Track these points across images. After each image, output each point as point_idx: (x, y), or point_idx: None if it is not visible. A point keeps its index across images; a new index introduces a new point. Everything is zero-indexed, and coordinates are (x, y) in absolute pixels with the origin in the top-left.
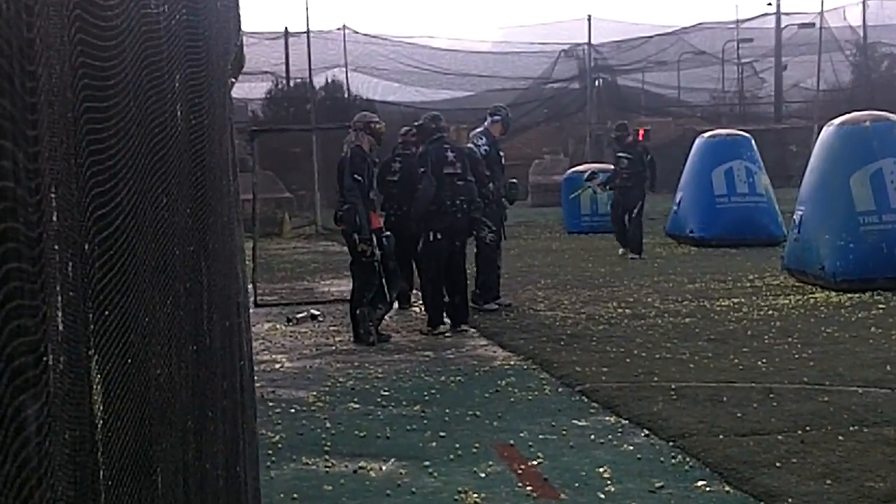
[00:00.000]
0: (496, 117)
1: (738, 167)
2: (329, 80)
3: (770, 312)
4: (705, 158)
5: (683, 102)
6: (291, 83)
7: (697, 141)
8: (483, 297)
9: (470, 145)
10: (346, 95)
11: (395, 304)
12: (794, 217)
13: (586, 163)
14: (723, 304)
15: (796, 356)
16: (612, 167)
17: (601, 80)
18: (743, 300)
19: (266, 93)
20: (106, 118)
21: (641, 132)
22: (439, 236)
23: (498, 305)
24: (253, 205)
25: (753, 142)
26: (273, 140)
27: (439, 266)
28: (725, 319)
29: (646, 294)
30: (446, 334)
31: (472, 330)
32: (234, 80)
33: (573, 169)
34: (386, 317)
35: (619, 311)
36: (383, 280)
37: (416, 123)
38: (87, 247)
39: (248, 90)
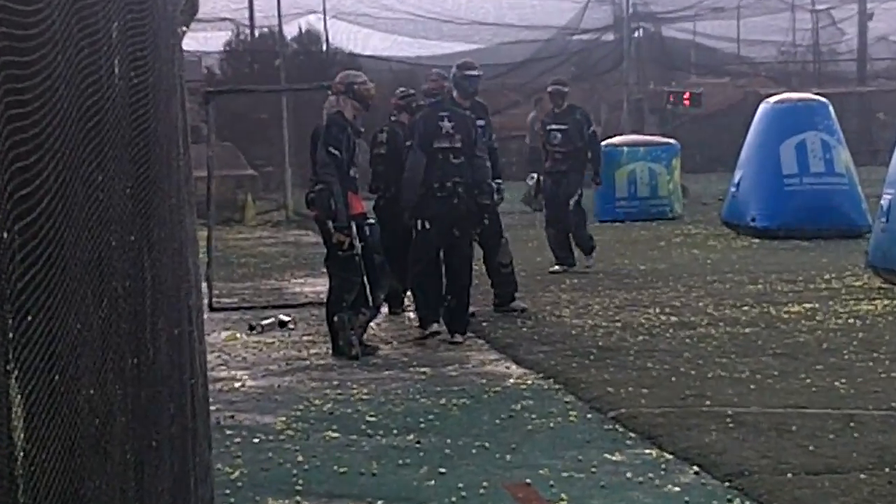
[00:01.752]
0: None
1: (812, 140)
2: (303, 30)
3: (851, 321)
4: (771, 129)
5: (744, 59)
6: (256, 33)
7: (762, 107)
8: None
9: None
10: (324, 49)
11: (384, 309)
12: (882, 202)
13: (622, 133)
14: (792, 310)
15: (883, 375)
16: (545, 147)
17: (641, 31)
18: (817, 306)
19: (225, 45)
20: (27, 76)
21: (688, 96)
22: (427, 226)
23: (514, 309)
24: (208, 184)
25: (831, 108)
26: (233, 104)
27: (428, 262)
28: (795, 329)
29: (696, 298)
30: (447, 340)
31: (481, 341)
32: (184, 28)
33: (607, 142)
34: (372, 324)
35: (663, 318)
36: (366, 279)
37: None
38: (4, 235)
39: (202, 41)
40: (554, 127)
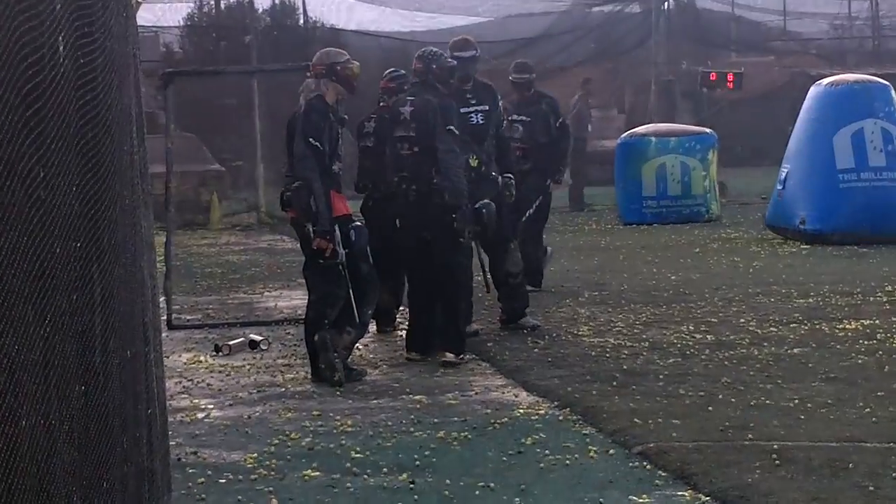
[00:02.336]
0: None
1: (871, 129)
2: (277, 1)
3: None
4: (823, 116)
5: (792, 34)
6: (222, 4)
7: (812, 91)
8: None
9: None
10: (301, 23)
11: (372, 326)
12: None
13: (650, 121)
14: (848, 327)
15: None
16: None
17: (672, 1)
18: (877, 322)
19: (186, 18)
20: None
21: (730, 78)
22: (398, 225)
23: (524, 327)
24: (167, 181)
25: (893, 92)
26: (196, 88)
27: (409, 269)
28: (852, 350)
29: (736, 313)
30: (441, 361)
31: (485, 364)
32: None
33: (632, 131)
34: (358, 344)
35: (697, 337)
36: (352, 292)
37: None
38: None
39: (159, 14)
40: (515, 118)
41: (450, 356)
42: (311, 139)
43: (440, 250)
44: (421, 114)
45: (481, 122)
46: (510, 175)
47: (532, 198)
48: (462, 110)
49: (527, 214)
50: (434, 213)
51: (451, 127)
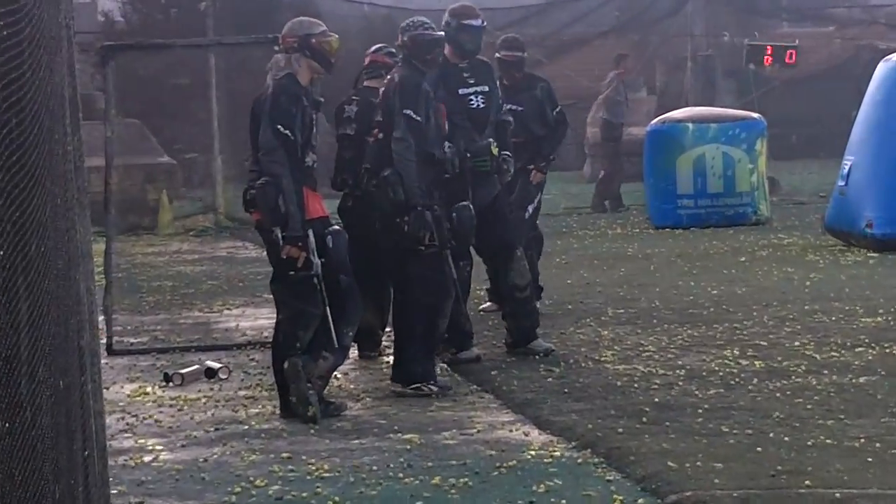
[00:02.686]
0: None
1: None
2: None
3: None
4: (895, 99)
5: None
6: None
7: (880, 68)
8: (450, 342)
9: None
10: None
11: (353, 351)
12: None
13: (685, 105)
14: None
15: None
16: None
17: None
18: None
19: None
20: None
21: (782, 52)
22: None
23: (535, 351)
24: (106, 177)
25: None
26: (142, 64)
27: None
28: None
29: (789, 335)
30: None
31: (489, 396)
32: None
33: (664, 116)
34: (337, 372)
35: (743, 363)
36: (328, 309)
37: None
38: None
39: None
40: (505, 107)
41: (396, 386)
42: (280, 127)
43: (401, 262)
44: (363, 106)
45: (482, 105)
46: (508, 153)
47: (533, 193)
48: (460, 92)
49: (528, 211)
50: (383, 215)
51: (409, 111)
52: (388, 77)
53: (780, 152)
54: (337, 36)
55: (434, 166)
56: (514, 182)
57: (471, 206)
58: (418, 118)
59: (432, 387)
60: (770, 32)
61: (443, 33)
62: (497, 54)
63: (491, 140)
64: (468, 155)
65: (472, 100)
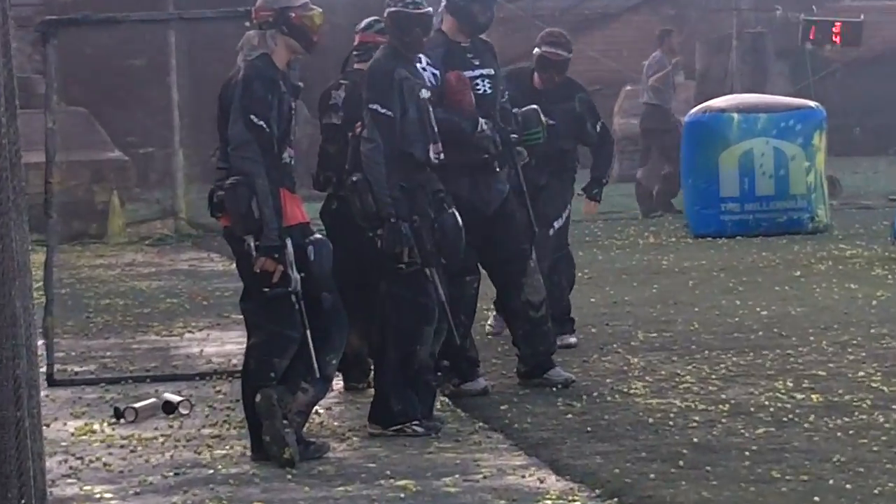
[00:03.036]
0: (444, 2)
1: None
2: None
3: None
4: None
5: None
6: None
7: None
8: (453, 371)
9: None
10: None
11: (337, 382)
12: None
13: (731, 91)
14: None
15: None
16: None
17: None
18: None
19: None
20: None
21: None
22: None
23: (553, 382)
24: (47, 175)
25: None
26: (89, 43)
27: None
28: None
29: (852, 363)
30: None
31: (497, 435)
32: None
33: (705, 105)
34: (318, 407)
35: (798, 397)
36: (310, 333)
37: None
38: None
39: None
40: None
41: (374, 428)
42: (253, 117)
43: (382, 277)
44: (351, 95)
45: (489, 90)
46: (516, 134)
47: (559, 205)
48: (466, 75)
49: (554, 227)
50: (355, 226)
51: (375, 105)
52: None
53: (842, 147)
54: (320, 10)
55: (415, 168)
56: (539, 197)
57: (456, 214)
58: (387, 112)
59: (416, 427)
60: (831, 7)
61: (430, 10)
62: (538, 49)
63: (535, 106)
64: (512, 135)
65: (478, 84)
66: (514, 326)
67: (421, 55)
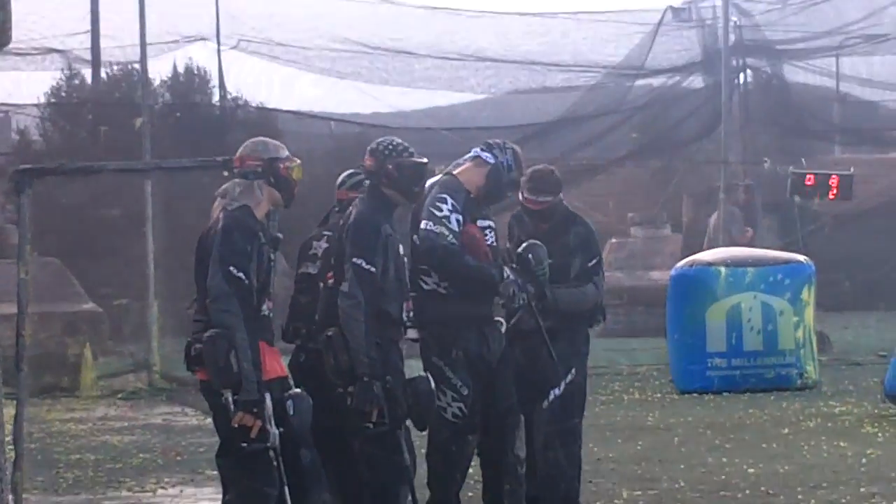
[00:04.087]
0: (486, 156)
1: None
2: (182, 67)
3: None
4: None
5: None
6: (103, 73)
7: None
8: None
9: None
10: (216, 99)
11: None
12: None
13: (717, 244)
14: None
15: None
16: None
17: (750, 73)
18: None
19: (49, 93)
20: None
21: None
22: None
23: None
24: (18, 328)
25: None
26: (63, 192)
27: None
28: None
29: None
30: None
31: None
32: None
33: (692, 258)
34: None
35: None
36: (287, 490)
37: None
38: None
39: (12, 86)
40: (530, 247)
41: None
42: (232, 269)
43: (353, 440)
44: (340, 230)
45: (494, 242)
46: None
47: (559, 372)
48: (479, 224)
49: (551, 396)
50: (325, 384)
51: (359, 260)
52: (349, 210)
53: (832, 303)
54: (299, 162)
55: (391, 325)
56: (538, 354)
57: (430, 379)
58: (371, 268)
59: None
60: (820, 159)
61: (426, 160)
62: (522, 196)
63: (537, 241)
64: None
65: (487, 235)
66: (501, 482)
67: (447, 196)
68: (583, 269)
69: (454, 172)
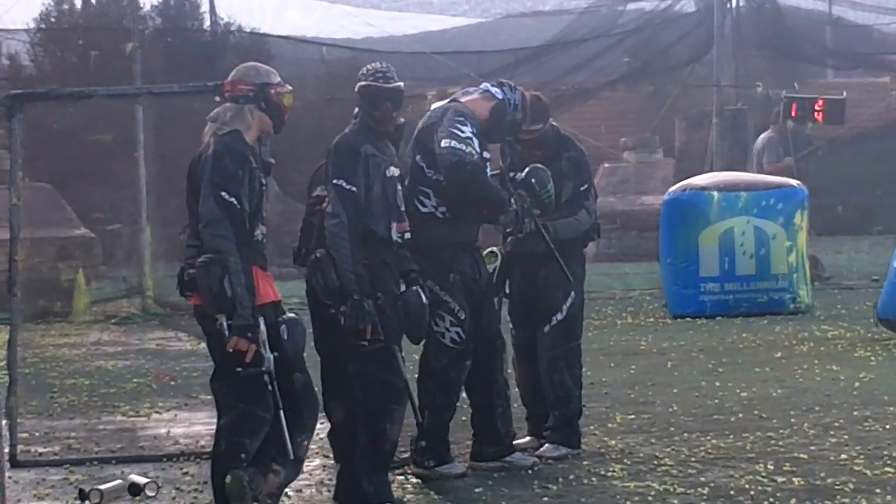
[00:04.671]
0: (495, 91)
1: None
2: None
3: None
4: None
5: None
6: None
7: None
8: (429, 452)
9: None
10: (207, 25)
11: (309, 462)
12: None
13: (710, 169)
14: None
15: None
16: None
17: None
18: None
19: (39, 18)
20: None
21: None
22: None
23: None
24: (11, 254)
25: None
26: (55, 118)
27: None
28: None
29: (835, 446)
30: None
31: None
32: None
33: (685, 183)
34: (289, 489)
35: (779, 480)
36: (283, 413)
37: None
38: None
39: (2, 11)
40: (526, 179)
41: None
42: (224, 194)
43: (354, 356)
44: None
45: (494, 172)
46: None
47: (558, 297)
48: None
49: (553, 320)
50: (317, 304)
51: (340, 181)
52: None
53: (824, 226)
54: (291, 89)
55: (379, 245)
56: (537, 275)
57: (420, 292)
58: (351, 188)
59: None
60: (813, 83)
61: (401, 84)
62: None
63: (541, 165)
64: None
65: (488, 166)
66: (494, 405)
67: (466, 120)
68: (574, 194)
69: (462, 101)
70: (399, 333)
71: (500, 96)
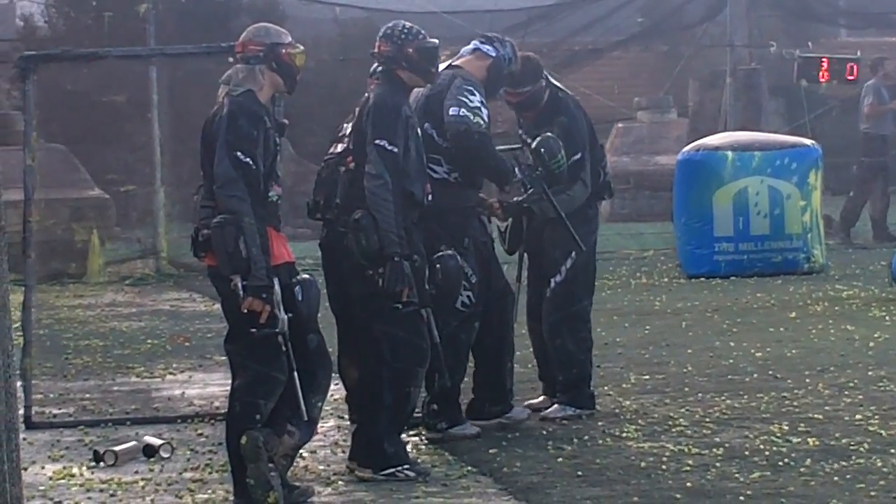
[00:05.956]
0: (487, 49)
1: None
2: None
3: None
4: None
5: None
6: None
7: None
8: (441, 415)
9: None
10: None
11: (323, 424)
12: None
13: (724, 129)
14: None
15: None
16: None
17: None
18: None
19: None
20: None
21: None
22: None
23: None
24: (25, 214)
25: None
26: (69, 79)
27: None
28: None
29: (849, 406)
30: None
31: (486, 478)
32: None
33: (698, 143)
34: (304, 450)
35: (794, 441)
36: (297, 374)
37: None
38: None
39: None
40: (528, 140)
41: (364, 472)
42: (239, 154)
43: (363, 316)
44: (359, 115)
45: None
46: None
47: (557, 257)
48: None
49: (552, 283)
50: (350, 264)
51: (382, 141)
52: (365, 95)
53: (839, 186)
54: (303, 49)
55: (414, 207)
56: (542, 235)
57: (457, 255)
58: (394, 149)
59: (409, 472)
60: (826, 42)
61: (438, 41)
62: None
63: (550, 134)
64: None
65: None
66: (504, 360)
67: (474, 89)
68: (576, 161)
69: (456, 64)
70: (430, 296)
71: (493, 54)
